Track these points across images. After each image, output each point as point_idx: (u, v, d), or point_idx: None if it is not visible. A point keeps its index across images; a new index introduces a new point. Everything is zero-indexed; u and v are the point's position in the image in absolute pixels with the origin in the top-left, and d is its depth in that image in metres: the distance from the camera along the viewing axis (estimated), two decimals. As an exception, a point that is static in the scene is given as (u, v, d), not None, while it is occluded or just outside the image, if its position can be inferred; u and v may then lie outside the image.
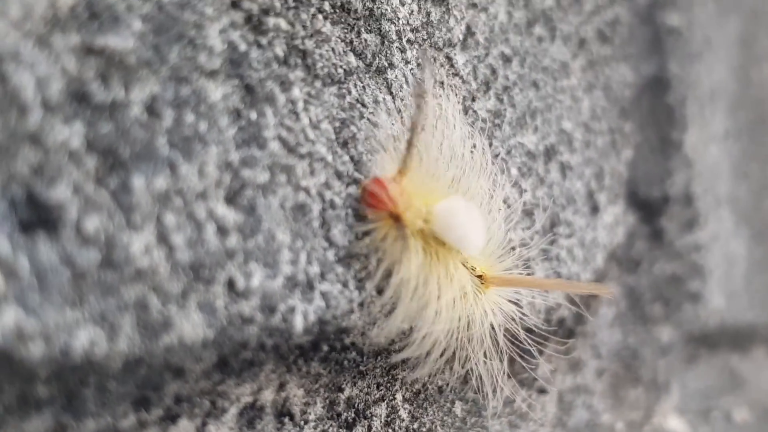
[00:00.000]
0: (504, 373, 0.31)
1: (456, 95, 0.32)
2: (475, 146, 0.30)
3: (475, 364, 0.30)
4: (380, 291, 0.27)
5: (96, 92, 0.21)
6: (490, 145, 0.34)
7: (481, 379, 0.29)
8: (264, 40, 0.25)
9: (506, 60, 0.36)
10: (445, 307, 0.28)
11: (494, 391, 0.30)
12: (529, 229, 0.36)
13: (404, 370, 0.32)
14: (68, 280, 0.20)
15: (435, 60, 0.31)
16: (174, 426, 0.24)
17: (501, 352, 0.29)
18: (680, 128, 0.51)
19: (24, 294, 0.19)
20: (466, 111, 0.33)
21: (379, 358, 0.30)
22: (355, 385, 0.30)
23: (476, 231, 0.28)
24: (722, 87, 0.57)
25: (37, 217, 0.20)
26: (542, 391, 0.40)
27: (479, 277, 0.29)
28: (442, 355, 0.29)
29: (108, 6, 0.21)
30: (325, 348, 0.28)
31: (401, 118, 0.29)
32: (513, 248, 0.31)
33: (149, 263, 0.22)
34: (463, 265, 0.28)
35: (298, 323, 0.26)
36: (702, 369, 0.54)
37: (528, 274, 0.34)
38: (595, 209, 0.41)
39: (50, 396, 0.21)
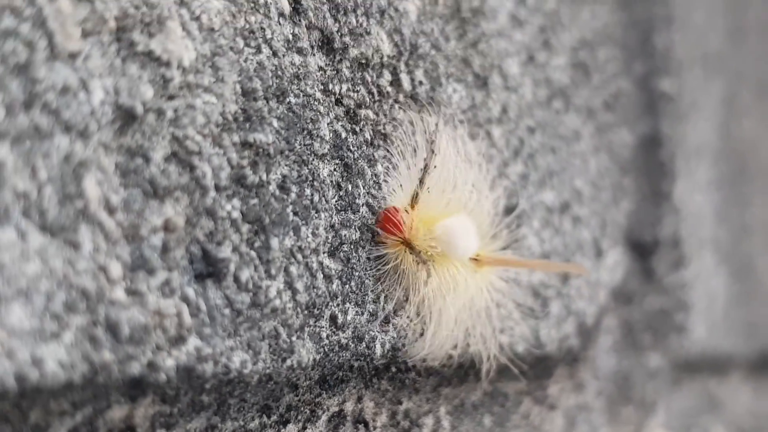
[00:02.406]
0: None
1: (460, 142, 0.39)
2: (473, 183, 0.36)
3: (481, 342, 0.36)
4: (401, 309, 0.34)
5: (248, 175, 0.28)
6: (517, 203, 0.41)
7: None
8: (357, 128, 0.33)
9: (531, 131, 0.43)
10: (452, 304, 0.34)
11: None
12: (546, 272, 0.43)
13: (446, 387, 0.39)
14: (228, 317, 0.27)
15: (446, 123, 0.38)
16: (284, 429, 0.31)
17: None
18: (670, 180, 0.58)
19: (201, 327, 0.26)
20: (500, 175, 0.40)
21: (429, 377, 0.37)
22: (410, 399, 0.37)
23: (468, 239, 0.35)
24: (706, 142, 0.64)
25: (208, 270, 0.27)
26: (552, 407, 0.47)
27: (475, 260, 0.35)
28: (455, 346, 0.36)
29: (257, 110, 0.28)
30: (393, 369, 0.35)
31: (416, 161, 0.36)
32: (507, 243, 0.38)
33: (280, 304, 0.29)
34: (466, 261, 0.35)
35: (378, 350, 0.33)
36: (684, 391, 0.62)
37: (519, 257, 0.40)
38: (599, 254, 0.49)
39: (209, 403, 0.28)
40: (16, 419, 0.23)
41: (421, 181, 0.33)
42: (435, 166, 0.33)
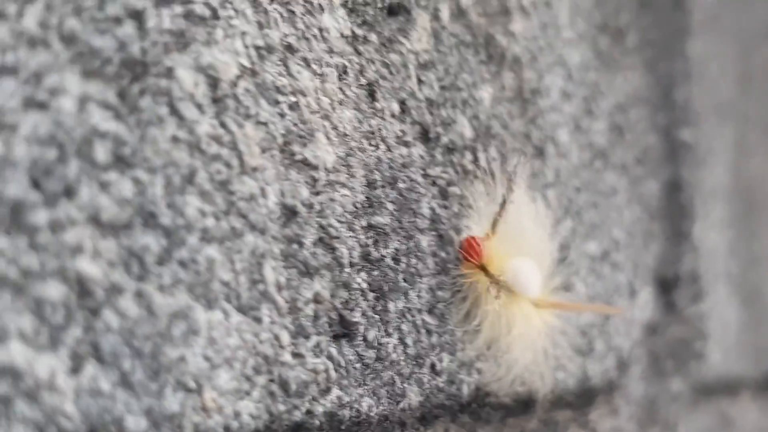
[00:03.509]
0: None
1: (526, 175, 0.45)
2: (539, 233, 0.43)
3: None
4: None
5: (372, 252, 0.35)
6: (568, 256, 0.48)
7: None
8: (447, 203, 0.39)
9: (578, 190, 0.50)
10: (515, 337, 0.41)
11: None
12: (592, 314, 0.50)
13: (511, 418, 0.46)
14: (359, 369, 0.34)
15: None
16: (391, 458, 0.38)
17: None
18: (689, 221, 0.65)
19: (341, 380, 0.33)
20: (554, 231, 0.47)
21: (499, 410, 0.44)
22: (483, 429, 0.44)
23: (534, 282, 0.41)
24: (720, 183, 0.71)
25: (343, 332, 0.33)
26: (594, 431, 0.54)
27: (535, 304, 0.41)
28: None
29: (377, 197, 0.35)
30: (474, 405, 0.41)
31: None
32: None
33: (396, 357, 0.35)
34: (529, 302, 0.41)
35: (465, 390, 0.40)
36: (701, 412, 0.69)
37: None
38: (633, 294, 0.56)
39: (341, 440, 0.34)
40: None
41: (501, 212, 0.39)
42: (512, 201, 0.39)
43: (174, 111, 0.27)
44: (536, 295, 0.41)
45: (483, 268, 0.39)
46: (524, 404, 0.46)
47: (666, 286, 0.63)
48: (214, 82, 0.29)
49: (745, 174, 0.77)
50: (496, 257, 0.39)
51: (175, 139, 0.27)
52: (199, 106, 0.28)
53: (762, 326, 0.79)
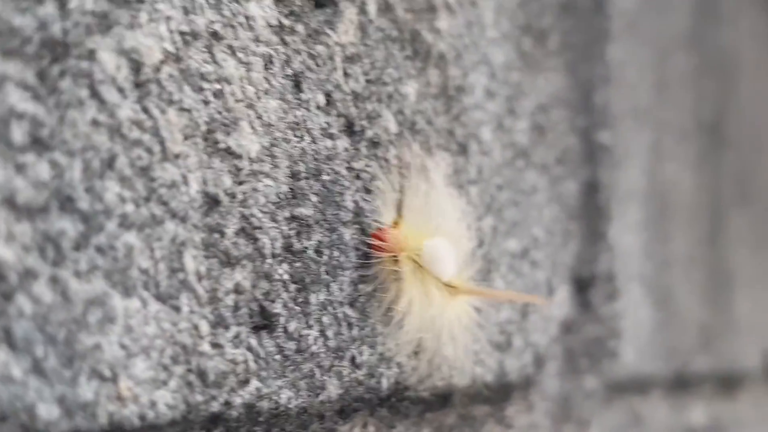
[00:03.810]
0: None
1: (442, 167, 0.45)
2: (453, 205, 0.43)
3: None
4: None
5: (294, 243, 0.35)
6: (489, 253, 0.49)
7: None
8: (371, 196, 0.39)
9: (500, 188, 0.51)
10: (425, 315, 0.41)
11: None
12: (511, 310, 0.51)
13: (429, 413, 0.46)
14: (279, 361, 0.34)
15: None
16: (309, 451, 0.38)
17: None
18: (606, 222, 0.67)
19: (260, 371, 0.33)
20: (476, 228, 0.48)
21: (418, 404, 0.44)
22: (401, 423, 0.44)
23: (450, 261, 0.42)
24: (636, 185, 0.73)
25: (263, 323, 0.33)
26: (509, 426, 0.55)
27: (450, 286, 0.42)
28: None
29: (301, 188, 0.35)
30: (393, 399, 0.42)
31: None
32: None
33: (316, 349, 0.36)
34: (443, 284, 0.41)
35: (384, 384, 0.40)
36: (614, 410, 0.70)
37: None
38: (551, 291, 0.57)
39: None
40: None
41: (402, 197, 0.39)
42: (415, 187, 0.39)
43: (95, 94, 0.27)
44: (452, 275, 0.41)
45: (395, 256, 0.39)
46: (443, 399, 0.47)
47: (582, 285, 0.64)
48: (136, 66, 0.28)
49: (659, 178, 0.80)
50: (411, 241, 0.39)
51: (95, 123, 0.27)
52: (121, 90, 0.28)
53: (673, 327, 0.82)
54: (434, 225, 0.40)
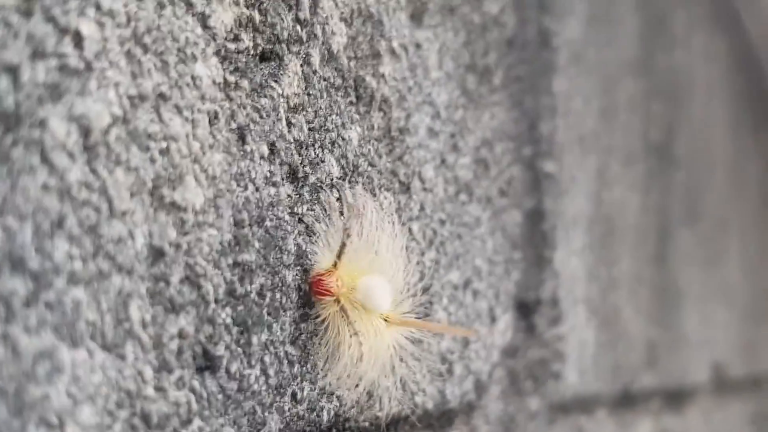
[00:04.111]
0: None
1: (384, 206, 0.47)
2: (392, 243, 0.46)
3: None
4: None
5: (237, 288, 0.37)
6: (431, 285, 0.52)
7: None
8: (314, 239, 0.42)
9: (442, 222, 0.53)
10: (363, 349, 0.43)
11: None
12: (452, 339, 0.54)
13: (371, 440, 0.49)
14: (221, 400, 0.36)
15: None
16: (251, 482, 0.40)
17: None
18: (551, 248, 0.70)
19: (202, 410, 0.35)
20: (417, 262, 0.50)
21: (359, 433, 0.47)
22: (344, 452, 0.46)
23: (384, 296, 0.44)
24: (581, 211, 0.77)
25: (206, 365, 0.36)
26: (452, 450, 0.57)
27: (386, 320, 0.44)
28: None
29: (244, 235, 0.37)
30: (334, 430, 0.44)
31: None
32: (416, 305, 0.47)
33: (257, 387, 0.38)
34: (381, 318, 0.44)
35: (325, 416, 0.42)
36: (558, 430, 0.74)
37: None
38: (493, 320, 0.60)
39: (202, 467, 0.37)
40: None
41: (344, 242, 0.41)
42: (356, 233, 0.42)
43: (45, 159, 0.29)
44: (387, 308, 0.43)
45: (336, 299, 0.41)
46: (385, 428, 0.50)
47: (526, 310, 0.67)
48: (86, 131, 0.31)
49: (607, 201, 0.83)
50: (347, 282, 0.41)
51: (45, 187, 0.29)
52: (71, 155, 0.30)
53: (619, 346, 0.85)
54: (372, 264, 0.43)
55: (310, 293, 0.41)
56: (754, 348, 1.43)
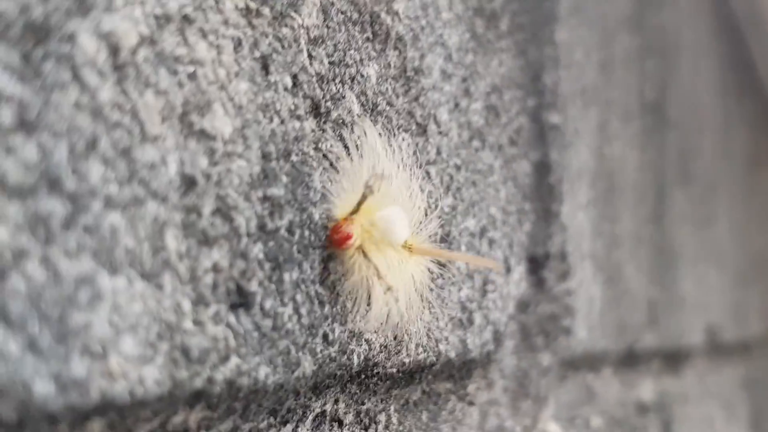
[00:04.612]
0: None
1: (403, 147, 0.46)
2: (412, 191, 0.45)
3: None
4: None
5: (267, 223, 0.36)
6: (450, 232, 0.51)
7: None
8: (337, 178, 0.41)
9: (458, 168, 0.53)
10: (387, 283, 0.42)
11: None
12: (471, 288, 0.53)
13: (396, 389, 0.48)
14: (256, 338, 0.35)
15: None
16: (284, 428, 0.39)
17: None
18: (558, 201, 0.69)
19: (239, 348, 0.34)
20: (436, 206, 0.50)
21: (386, 381, 0.46)
22: (370, 400, 0.46)
23: (402, 226, 0.43)
24: (585, 165, 0.76)
25: (240, 301, 0.35)
26: (471, 403, 0.57)
27: (409, 249, 0.43)
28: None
29: (272, 169, 0.36)
30: (363, 375, 0.43)
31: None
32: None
33: (291, 326, 0.37)
34: (403, 249, 0.43)
35: (355, 360, 0.41)
36: (569, 386, 0.73)
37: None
38: (508, 270, 0.59)
39: (238, 408, 0.36)
40: (120, 427, 0.30)
41: (362, 198, 0.40)
42: (372, 192, 0.40)
43: (76, 76, 0.28)
44: (406, 236, 0.42)
45: (360, 248, 0.41)
46: (409, 375, 0.49)
47: (536, 264, 0.67)
48: (115, 49, 0.30)
49: (608, 156, 0.83)
50: (365, 217, 0.40)
51: (77, 105, 0.28)
52: (101, 73, 0.29)
53: (623, 304, 0.85)
54: (388, 200, 0.41)
55: (332, 246, 0.39)
56: (745, 312, 1.44)
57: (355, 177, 0.41)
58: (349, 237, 0.39)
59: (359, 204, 0.39)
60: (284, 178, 0.37)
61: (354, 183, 0.41)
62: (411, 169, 0.45)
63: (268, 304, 0.36)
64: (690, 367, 1.14)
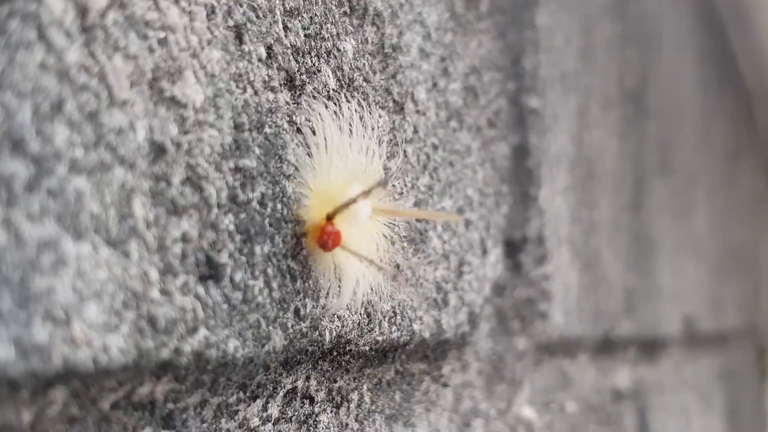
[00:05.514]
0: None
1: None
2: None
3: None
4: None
5: (239, 194, 0.36)
6: (425, 210, 0.50)
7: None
8: (311, 152, 0.40)
9: (435, 147, 0.52)
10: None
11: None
12: (447, 269, 0.53)
13: (369, 368, 0.48)
14: (226, 311, 0.35)
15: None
16: (254, 403, 0.39)
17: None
18: (536, 186, 0.69)
19: (207, 320, 0.34)
20: (413, 186, 0.49)
21: (359, 359, 0.46)
22: (342, 378, 0.45)
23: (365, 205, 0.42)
24: (564, 151, 0.76)
25: (210, 273, 0.34)
26: (445, 385, 0.56)
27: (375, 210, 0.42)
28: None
29: (244, 140, 0.36)
30: (335, 353, 0.43)
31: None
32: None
33: (262, 300, 0.37)
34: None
35: (327, 336, 0.41)
36: (545, 371, 0.73)
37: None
38: (485, 252, 0.59)
39: (206, 381, 0.35)
40: (84, 396, 0.30)
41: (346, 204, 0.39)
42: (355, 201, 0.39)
43: (42, 36, 0.27)
44: (369, 212, 0.40)
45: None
46: (383, 354, 0.49)
47: (513, 248, 0.67)
48: (82, 11, 0.29)
49: (587, 143, 0.83)
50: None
51: (43, 65, 0.27)
52: (68, 34, 0.28)
53: (600, 290, 0.85)
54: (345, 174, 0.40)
55: (310, 245, 0.39)
56: (721, 304, 1.45)
57: (320, 160, 0.40)
58: (338, 235, 0.39)
59: (342, 207, 0.39)
60: (257, 150, 0.37)
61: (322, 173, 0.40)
62: (359, 129, 0.43)
63: (238, 276, 0.35)
64: (666, 357, 1.15)
